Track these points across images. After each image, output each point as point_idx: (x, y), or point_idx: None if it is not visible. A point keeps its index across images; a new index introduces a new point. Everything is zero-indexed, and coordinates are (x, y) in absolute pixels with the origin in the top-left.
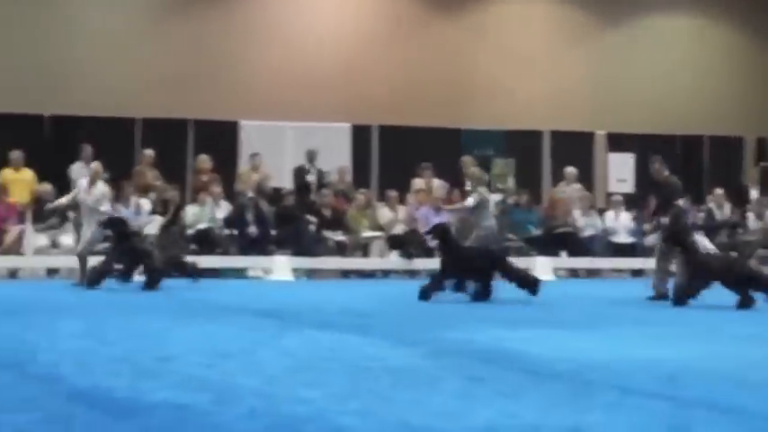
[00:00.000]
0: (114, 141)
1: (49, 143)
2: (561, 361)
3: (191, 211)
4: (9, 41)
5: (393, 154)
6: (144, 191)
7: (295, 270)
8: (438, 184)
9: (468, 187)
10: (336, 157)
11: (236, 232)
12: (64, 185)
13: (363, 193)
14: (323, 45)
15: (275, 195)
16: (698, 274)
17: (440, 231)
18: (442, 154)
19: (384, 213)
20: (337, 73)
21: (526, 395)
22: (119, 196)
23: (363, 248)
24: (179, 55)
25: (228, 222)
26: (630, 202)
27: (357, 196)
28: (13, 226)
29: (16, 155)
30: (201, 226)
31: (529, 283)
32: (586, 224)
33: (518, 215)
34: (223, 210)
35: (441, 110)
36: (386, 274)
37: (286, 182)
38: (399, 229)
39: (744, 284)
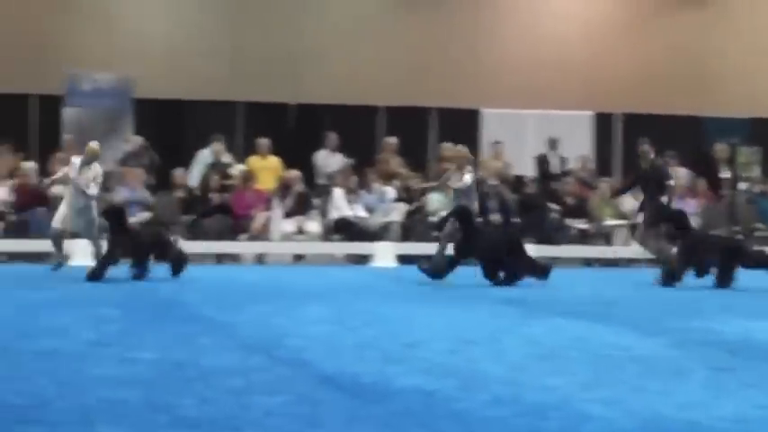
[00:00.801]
0: (357, 129)
1: (294, 131)
2: None
3: (434, 199)
4: (257, 32)
5: (635, 142)
6: (388, 178)
7: (537, 258)
8: (682, 172)
9: (449, 166)
10: (578, 145)
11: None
12: (308, 172)
13: (606, 182)
14: (565, 33)
15: (517, 183)
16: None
17: (461, 214)
18: (685, 142)
19: (627, 201)
20: (579, 60)
21: None
22: (362, 183)
23: (606, 237)
24: (422, 42)
25: None
26: None
27: (600, 184)
28: (261, 212)
29: (263, 143)
30: (444, 213)
31: (539, 270)
32: None
33: (765, 204)
34: None
35: (683, 97)
36: (629, 262)
37: (527, 170)
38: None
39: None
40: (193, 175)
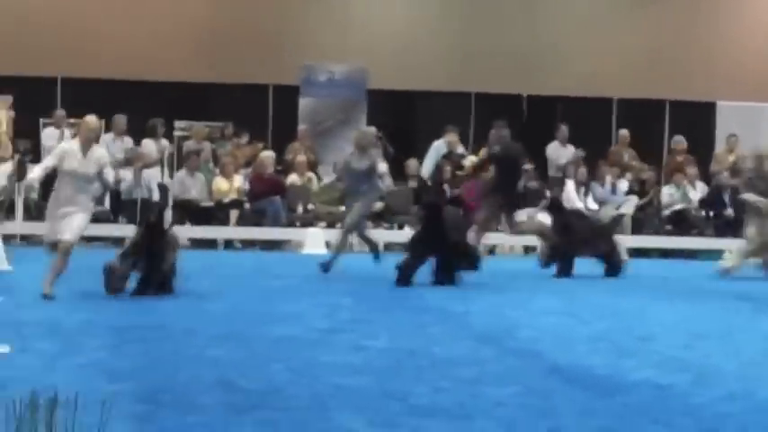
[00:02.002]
0: (591, 121)
1: (527, 123)
2: None
3: (666, 192)
4: (491, 23)
5: None
6: (621, 171)
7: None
8: None
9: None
10: None
11: (711, 214)
12: (541, 166)
13: None
14: None
15: None
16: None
17: (431, 209)
18: None
19: None
20: None
21: None
22: (595, 175)
23: None
24: (657, 34)
25: (704, 203)
26: None
27: None
28: None
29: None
30: (677, 207)
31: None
32: None
33: None
34: (699, 191)
35: None
36: None
37: None
38: None
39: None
40: (426, 166)
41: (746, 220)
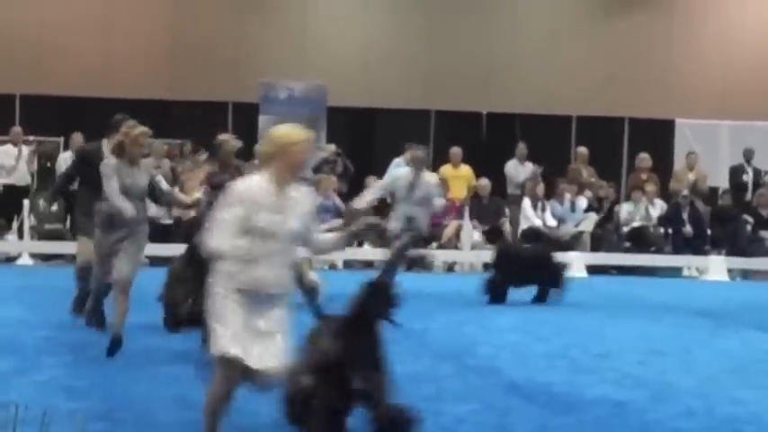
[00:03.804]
0: (550, 139)
1: (486, 140)
2: None
3: (624, 209)
4: (450, 41)
5: None
6: (579, 188)
7: (730, 270)
8: None
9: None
10: None
11: (670, 231)
12: (499, 182)
13: None
14: (759, 40)
15: (711, 194)
16: None
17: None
18: None
19: None
20: None
21: None
22: (553, 193)
23: None
24: (615, 52)
25: (663, 221)
26: None
27: None
28: (452, 221)
29: (456, 152)
30: (635, 224)
31: None
32: None
33: None
34: (657, 208)
35: None
36: None
37: (722, 181)
38: None
39: None
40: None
41: None
